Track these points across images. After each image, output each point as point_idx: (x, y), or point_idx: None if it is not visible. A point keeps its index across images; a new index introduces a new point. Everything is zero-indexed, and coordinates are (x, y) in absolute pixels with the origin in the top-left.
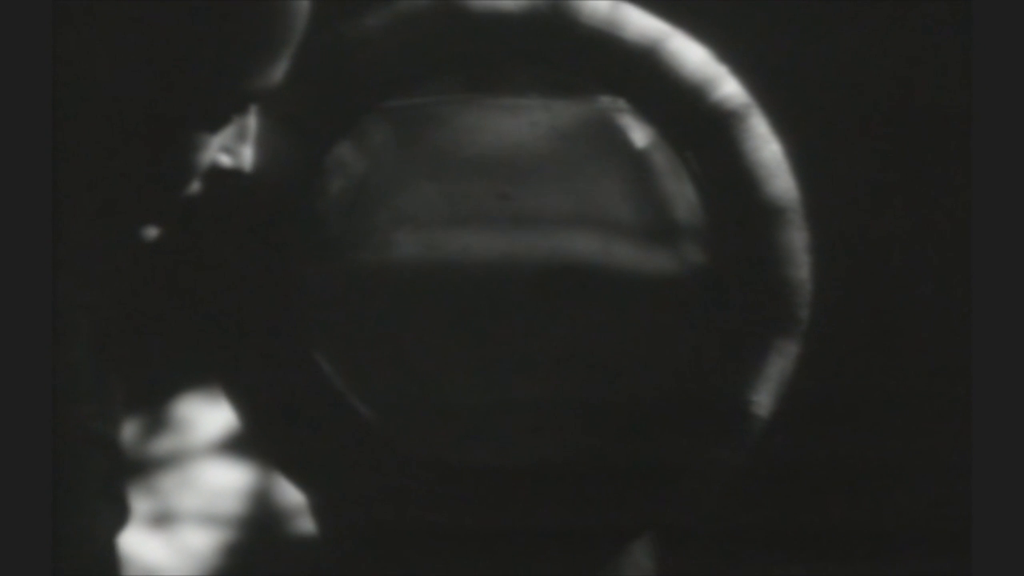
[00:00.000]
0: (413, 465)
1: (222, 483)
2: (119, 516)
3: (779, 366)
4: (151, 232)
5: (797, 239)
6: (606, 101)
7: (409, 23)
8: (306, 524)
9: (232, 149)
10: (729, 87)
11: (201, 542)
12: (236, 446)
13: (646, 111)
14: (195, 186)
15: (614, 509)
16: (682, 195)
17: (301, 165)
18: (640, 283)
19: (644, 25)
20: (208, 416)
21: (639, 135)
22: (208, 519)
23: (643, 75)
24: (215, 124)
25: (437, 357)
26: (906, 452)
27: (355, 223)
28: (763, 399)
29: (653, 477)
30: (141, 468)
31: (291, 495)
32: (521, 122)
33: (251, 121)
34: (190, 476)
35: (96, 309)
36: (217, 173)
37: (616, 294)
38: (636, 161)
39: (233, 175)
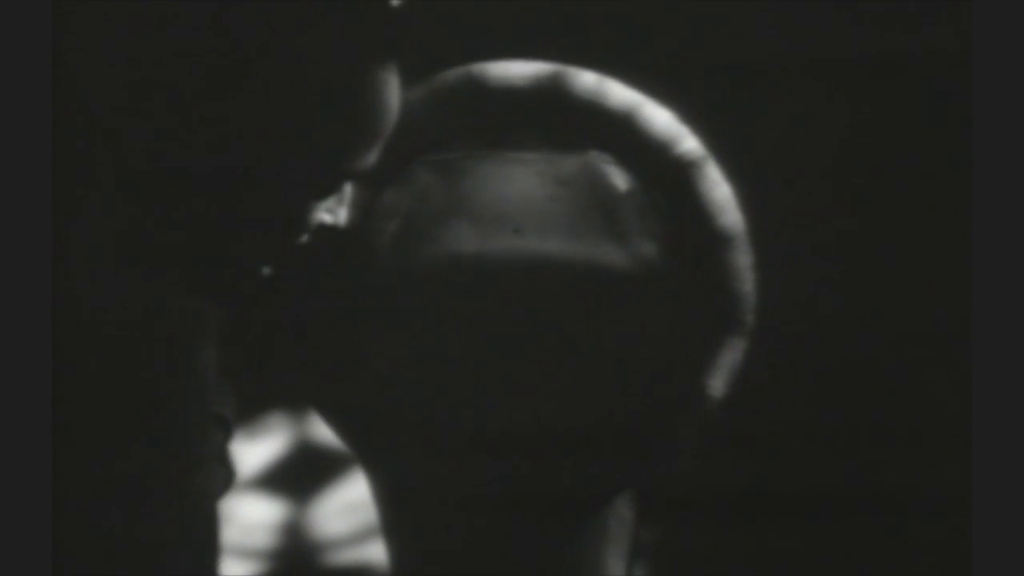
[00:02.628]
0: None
1: (258, 517)
2: (228, 478)
3: (729, 358)
4: (267, 271)
5: (743, 260)
6: (595, 155)
7: (441, 95)
8: (338, 557)
9: (332, 210)
10: (689, 143)
11: (238, 574)
12: (271, 482)
13: (626, 162)
14: (304, 238)
15: (596, 469)
16: (651, 224)
17: (359, 206)
18: (622, 286)
19: (623, 95)
20: (244, 452)
21: (620, 181)
22: (244, 552)
23: (623, 134)
24: (321, 195)
25: (464, 350)
26: (905, 478)
27: (402, 251)
28: (717, 383)
29: (629, 441)
30: None
31: (324, 529)
32: (529, 172)
33: (347, 188)
34: (227, 510)
35: (222, 323)
36: (321, 228)
37: (600, 295)
38: (619, 200)
39: (332, 230)
